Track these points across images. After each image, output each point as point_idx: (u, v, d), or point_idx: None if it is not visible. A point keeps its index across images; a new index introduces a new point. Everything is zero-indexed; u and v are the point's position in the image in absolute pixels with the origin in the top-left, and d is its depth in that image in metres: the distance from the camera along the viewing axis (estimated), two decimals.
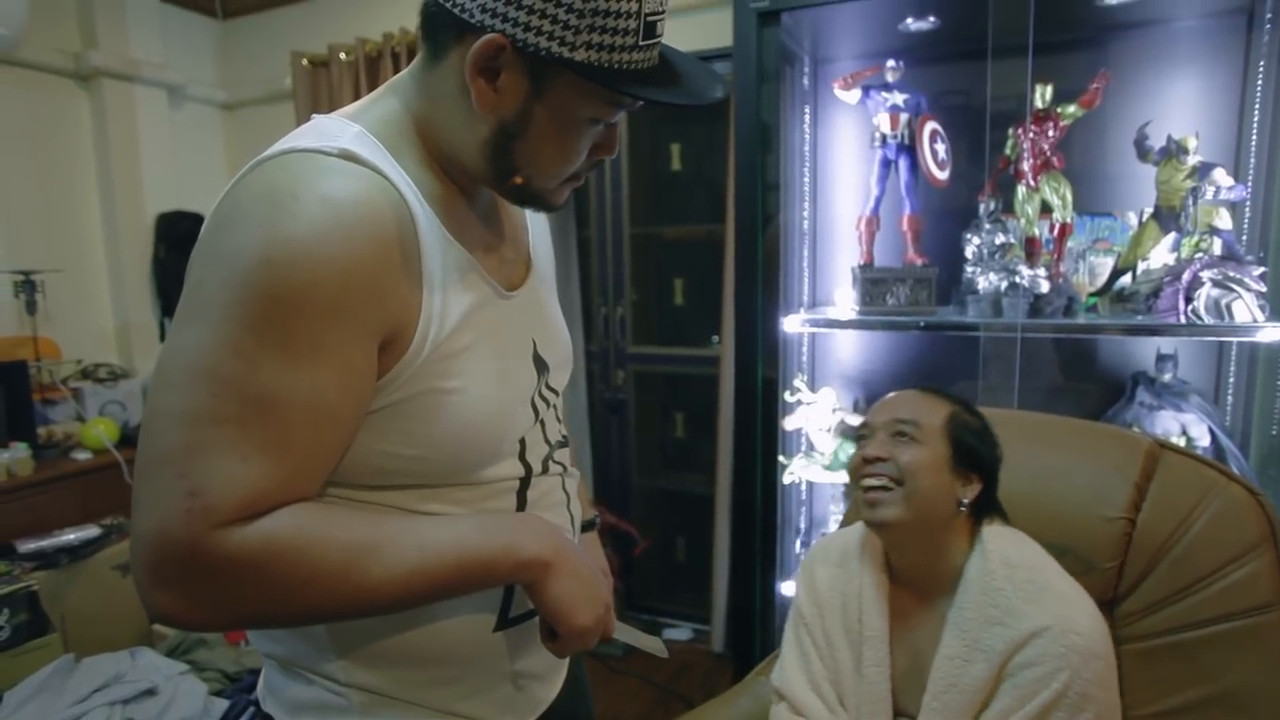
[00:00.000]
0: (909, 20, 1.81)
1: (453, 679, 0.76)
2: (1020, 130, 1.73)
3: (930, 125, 1.83)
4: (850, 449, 1.97)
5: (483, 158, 0.69)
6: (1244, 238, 1.71)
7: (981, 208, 1.79)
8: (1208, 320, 1.54)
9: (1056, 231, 1.74)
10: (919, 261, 1.86)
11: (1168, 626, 1.03)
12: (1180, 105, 1.79)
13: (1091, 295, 1.79)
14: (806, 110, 2.12)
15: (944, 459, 1.00)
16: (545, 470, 0.81)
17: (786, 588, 1.96)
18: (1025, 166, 1.73)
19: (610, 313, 2.70)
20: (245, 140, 3.22)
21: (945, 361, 2.05)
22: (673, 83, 0.67)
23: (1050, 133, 1.71)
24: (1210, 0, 1.71)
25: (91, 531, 2.21)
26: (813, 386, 2.02)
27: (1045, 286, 1.70)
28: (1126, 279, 1.74)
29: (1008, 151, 1.77)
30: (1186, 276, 1.56)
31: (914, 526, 0.99)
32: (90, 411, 2.57)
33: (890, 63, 1.83)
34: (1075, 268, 1.85)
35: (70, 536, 2.16)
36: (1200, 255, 1.60)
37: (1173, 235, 1.66)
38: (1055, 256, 1.75)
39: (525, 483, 0.78)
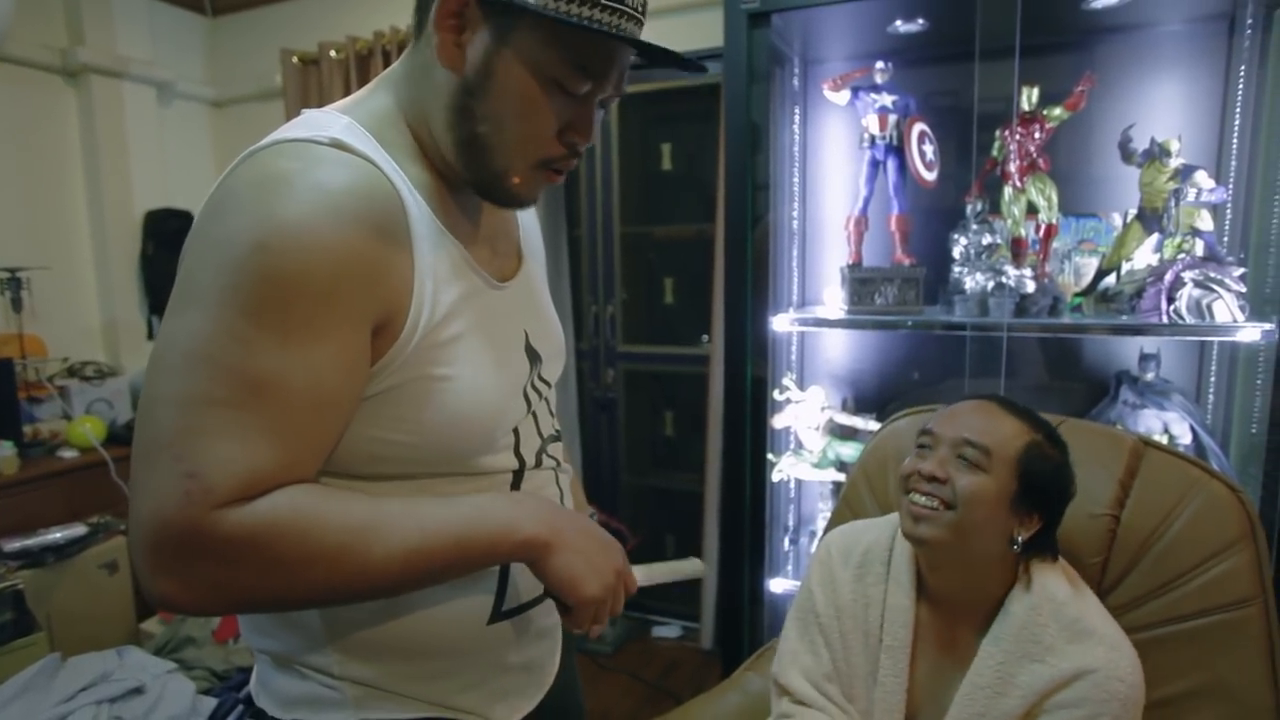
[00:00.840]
0: (898, 22, 1.83)
1: (447, 672, 0.76)
2: (1007, 132, 1.75)
3: (918, 126, 1.84)
4: (839, 448, 1.99)
5: (446, 125, 0.69)
6: (1225, 239, 1.73)
7: (969, 208, 1.81)
8: (1189, 320, 1.56)
9: (1042, 232, 1.76)
10: (907, 261, 1.88)
11: (1150, 621, 1.05)
12: (1163, 108, 1.82)
13: (1076, 295, 1.81)
14: (796, 111, 2.13)
15: (1007, 494, 0.92)
16: (539, 464, 0.81)
17: (775, 585, 1.97)
18: (1012, 168, 1.75)
19: (601, 311, 2.71)
20: (234, 138, 3.21)
21: (932, 361, 2.07)
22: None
23: (1036, 135, 1.73)
24: (1193, 5, 1.73)
25: (78, 530, 2.20)
26: (801, 385, 2.03)
27: (1031, 286, 1.72)
28: (1110, 279, 1.76)
29: (994, 153, 1.79)
30: (1169, 277, 1.58)
31: (956, 551, 0.94)
32: (77, 410, 2.56)
33: (879, 64, 1.84)
34: (1060, 268, 1.88)
35: (57, 535, 2.14)
36: (1182, 256, 1.62)
37: (1156, 236, 1.69)
38: (1041, 257, 1.77)
39: (519, 476, 0.79)
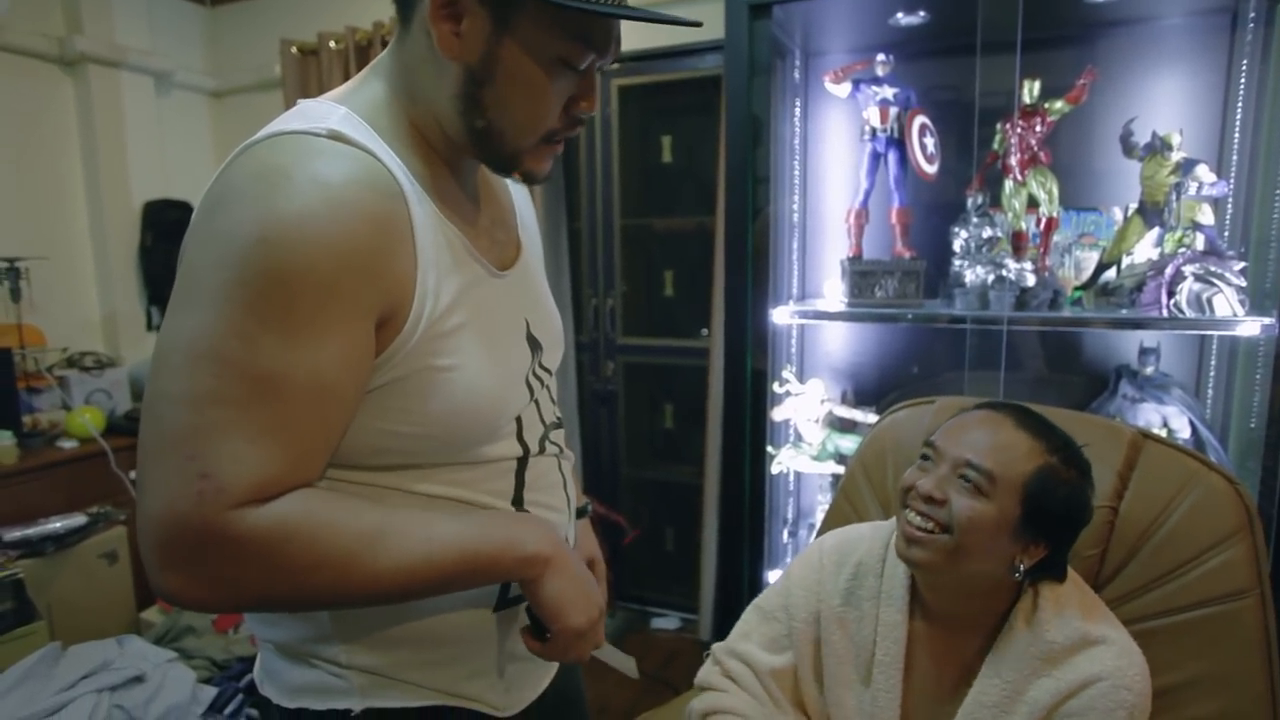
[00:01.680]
0: (899, 15, 1.82)
1: (453, 660, 0.77)
2: (1008, 125, 1.75)
3: (919, 119, 1.84)
4: (838, 441, 1.99)
5: (456, 113, 0.69)
6: (1226, 233, 1.73)
7: (969, 202, 1.81)
8: (1189, 314, 1.56)
9: (1043, 225, 1.76)
10: (907, 254, 1.88)
11: (1148, 612, 1.05)
12: (1165, 102, 1.82)
13: (1077, 289, 1.81)
14: (797, 103, 2.13)
15: (1010, 521, 0.85)
16: (542, 450, 0.82)
17: (773, 577, 1.97)
18: (1013, 161, 1.75)
19: (600, 304, 2.70)
20: (233, 128, 3.20)
21: (932, 354, 2.07)
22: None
23: (1038, 128, 1.73)
24: None
25: (78, 520, 2.19)
26: (801, 378, 2.03)
27: (1031, 280, 1.72)
28: (1111, 273, 1.76)
29: (996, 146, 1.79)
30: (1169, 271, 1.58)
31: (951, 574, 0.89)
32: (76, 400, 2.56)
33: (880, 57, 1.84)
34: (1061, 261, 1.88)
35: (56, 525, 2.14)
36: (1183, 250, 1.63)
37: (1156, 230, 1.69)
38: (1041, 250, 1.77)
39: (523, 463, 0.79)
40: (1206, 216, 1.62)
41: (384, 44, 2.56)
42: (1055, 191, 1.74)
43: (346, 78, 2.73)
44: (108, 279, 2.83)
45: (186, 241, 0.63)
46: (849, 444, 1.97)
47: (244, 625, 2.12)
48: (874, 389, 2.17)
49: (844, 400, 2.15)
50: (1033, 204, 1.76)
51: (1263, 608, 1.01)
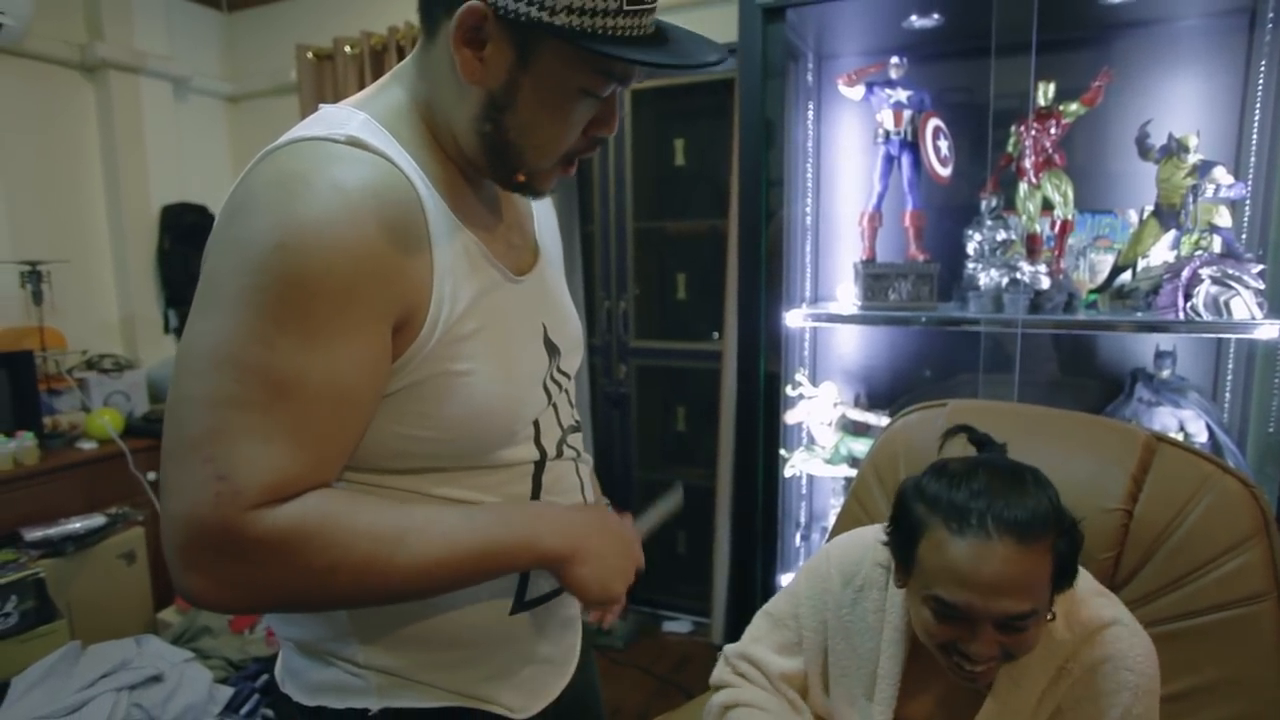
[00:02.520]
0: (913, 17, 1.82)
1: (470, 661, 0.77)
2: (1023, 127, 1.75)
3: (933, 122, 1.84)
4: (851, 444, 1.98)
5: (476, 134, 0.69)
6: (1244, 236, 1.72)
7: (983, 204, 1.80)
8: (1206, 317, 1.55)
9: (1058, 228, 1.75)
10: (921, 257, 1.87)
11: (1163, 616, 1.04)
12: (1181, 104, 1.80)
13: (1092, 292, 1.80)
14: (810, 106, 2.13)
15: (1048, 602, 0.84)
16: (559, 454, 0.82)
17: (786, 580, 1.97)
18: (1027, 163, 1.74)
19: (613, 307, 2.71)
20: (250, 133, 3.23)
21: (946, 357, 2.07)
22: (661, 48, 0.66)
23: (1052, 130, 1.72)
24: (1212, 0, 1.72)
25: (97, 520, 2.22)
26: (814, 381, 2.03)
27: (1046, 283, 1.71)
28: (1126, 276, 1.75)
29: (1010, 148, 1.79)
30: (1186, 273, 1.57)
31: None
32: (95, 402, 2.59)
33: (894, 59, 1.84)
34: (1076, 264, 1.87)
35: (76, 525, 2.17)
36: (1200, 253, 1.61)
37: (1172, 233, 1.67)
38: (1056, 253, 1.76)
39: (540, 467, 0.79)
40: (1224, 219, 1.61)
41: (399, 49, 2.59)
42: (1070, 194, 1.73)
43: (362, 83, 2.78)
44: (126, 282, 2.86)
45: (208, 247, 0.64)
46: (862, 447, 1.97)
47: (260, 625, 2.14)
48: (887, 392, 2.16)
49: (857, 403, 2.14)
50: (1047, 206, 1.75)
51: None
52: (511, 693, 0.80)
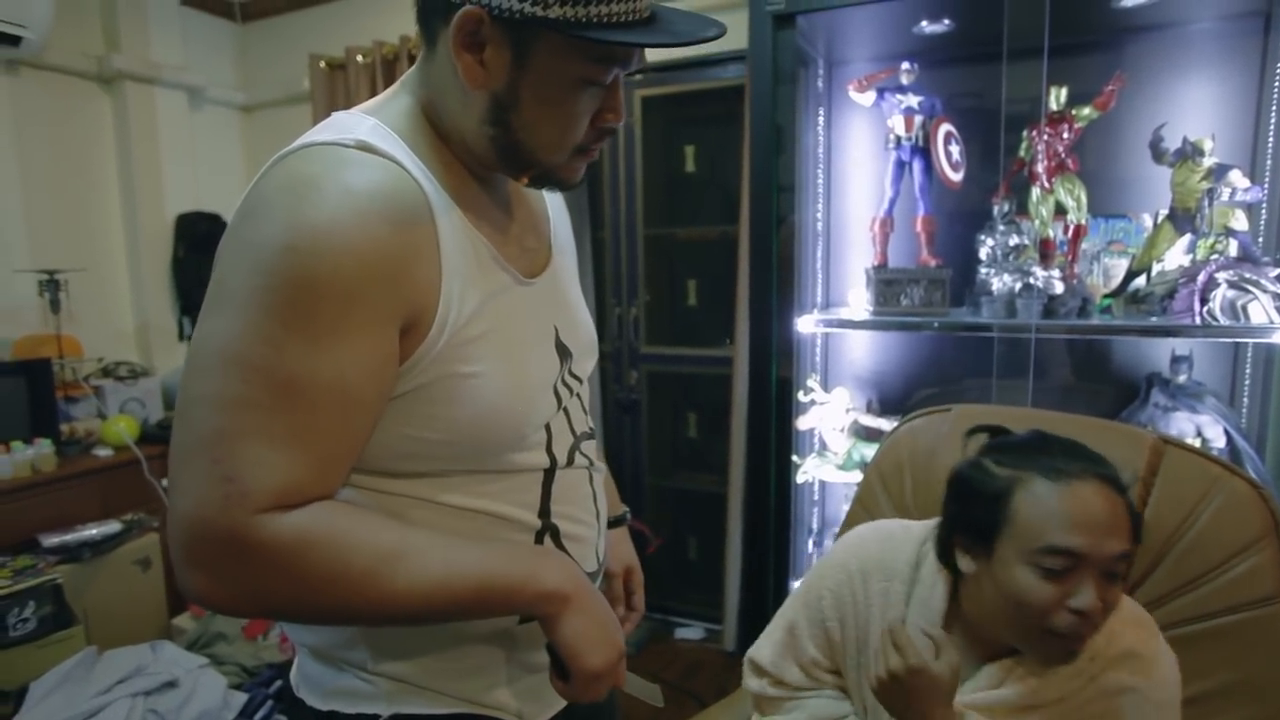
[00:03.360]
0: (924, 23, 1.82)
1: (477, 669, 0.77)
2: (1035, 132, 1.74)
3: (945, 127, 1.83)
4: (864, 450, 1.97)
5: (485, 137, 0.70)
6: (1260, 239, 1.70)
7: (995, 209, 1.80)
8: (1223, 321, 1.54)
9: (1071, 233, 1.74)
10: (933, 263, 1.87)
11: (1175, 620, 1.03)
12: (1196, 107, 1.79)
13: (1106, 297, 1.79)
14: (821, 112, 2.13)
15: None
16: (570, 462, 0.82)
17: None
18: (1040, 168, 1.73)
19: (624, 313, 2.72)
20: (263, 142, 3.26)
21: (958, 362, 2.06)
22: (657, 29, 0.66)
23: (1065, 135, 1.71)
24: (1227, 3, 1.71)
25: (113, 527, 2.24)
26: (826, 387, 2.02)
27: (1059, 288, 1.70)
28: (1141, 280, 1.74)
29: (1022, 153, 1.78)
30: (1202, 278, 1.56)
31: None
32: (111, 409, 2.61)
33: (905, 65, 1.84)
34: (1090, 269, 1.85)
35: (93, 531, 2.19)
36: (1216, 257, 1.60)
37: (1188, 237, 1.66)
38: (1069, 258, 1.75)
39: (550, 474, 0.79)
40: (1240, 222, 1.60)
41: (410, 58, 2.60)
42: (1083, 198, 1.72)
43: (373, 91, 2.79)
44: (142, 290, 2.89)
45: (220, 249, 0.65)
46: (874, 453, 1.96)
47: (274, 632, 2.15)
48: (899, 398, 2.15)
49: (869, 409, 2.13)
50: (1060, 211, 1.74)
51: None
52: (520, 700, 0.80)
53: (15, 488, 2.16)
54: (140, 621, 2.26)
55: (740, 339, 2.32)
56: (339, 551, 0.62)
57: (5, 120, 2.54)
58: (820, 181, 2.15)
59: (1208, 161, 1.61)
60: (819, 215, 2.15)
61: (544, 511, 0.78)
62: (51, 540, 2.11)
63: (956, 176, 1.84)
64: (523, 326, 0.75)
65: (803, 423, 1.99)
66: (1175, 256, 1.70)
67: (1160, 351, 1.83)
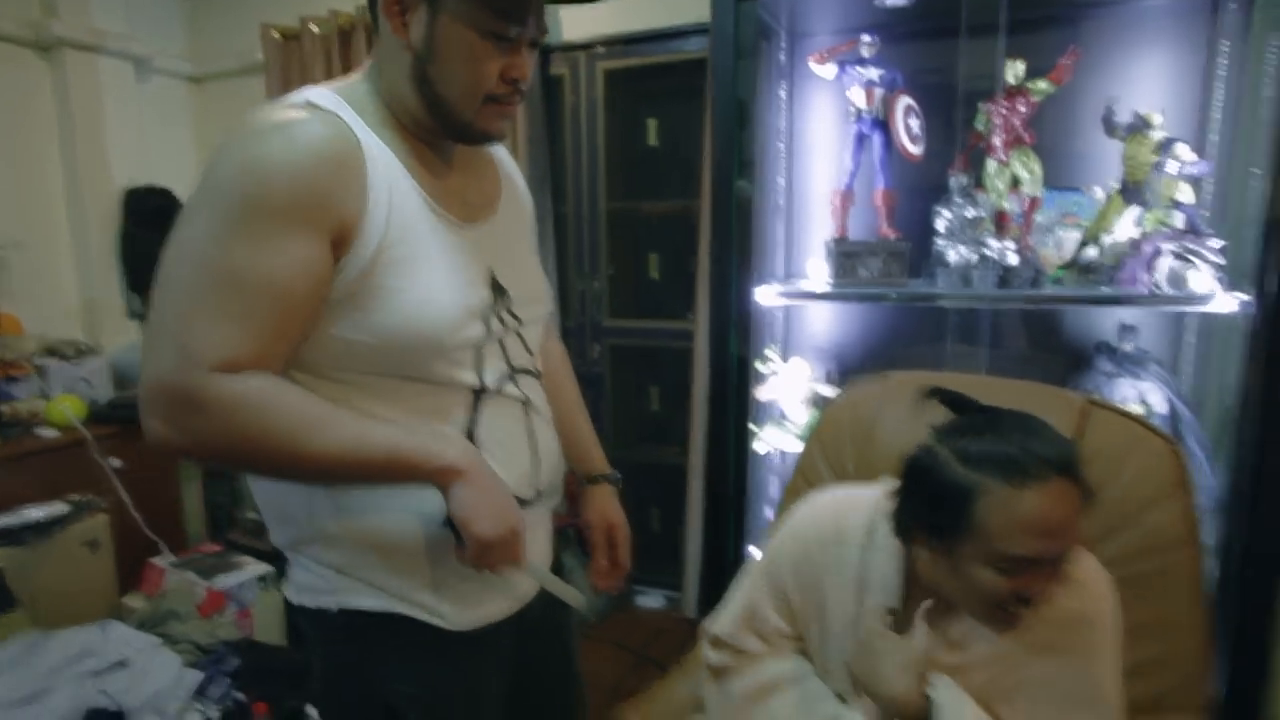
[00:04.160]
0: None
1: (408, 569, 0.88)
2: (992, 105, 1.76)
3: (904, 100, 1.85)
4: None
5: (415, 95, 0.85)
6: (1206, 212, 1.75)
7: (953, 182, 1.82)
8: (1167, 290, 1.58)
9: (1026, 205, 1.77)
10: (892, 235, 1.89)
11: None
12: (1147, 83, 1.83)
13: (1059, 268, 1.82)
14: (783, 85, 2.13)
15: None
16: (500, 391, 0.92)
17: (758, 554, 1.99)
18: (996, 142, 1.75)
19: (587, 287, 2.70)
20: (215, 114, 3.16)
21: (917, 333, 2.09)
22: None
23: (1021, 109, 1.74)
24: None
25: (59, 509, 2.18)
26: (786, 357, 2.04)
27: (1014, 259, 1.73)
28: (1092, 252, 1.78)
29: (980, 127, 1.80)
30: (1148, 249, 1.60)
31: None
32: (55, 389, 2.52)
33: (865, 38, 1.85)
34: (1043, 241, 1.89)
35: (37, 513, 2.12)
36: (1163, 228, 1.64)
37: (1137, 209, 1.70)
38: (1024, 230, 1.78)
39: (478, 396, 0.90)
40: (1186, 195, 1.64)
41: (367, 29, 2.54)
42: (1038, 171, 1.75)
43: (329, 62, 2.73)
44: (87, 266, 2.79)
45: (196, 183, 0.80)
46: None
47: (229, 609, 2.11)
48: (859, 368, 2.18)
49: (828, 379, 2.16)
50: (1016, 184, 1.77)
51: (1197, 561, 1.11)
52: (446, 603, 0.89)
53: None
54: (89, 604, 2.20)
55: (701, 311, 2.32)
56: (267, 412, 0.76)
57: None
58: (782, 154, 2.15)
59: (1156, 134, 1.64)
60: (781, 188, 2.16)
61: (470, 434, 0.89)
62: None
63: (916, 150, 1.86)
64: (453, 260, 0.87)
65: (763, 393, 2.01)
66: (1125, 229, 1.74)
67: (1110, 321, 1.87)
